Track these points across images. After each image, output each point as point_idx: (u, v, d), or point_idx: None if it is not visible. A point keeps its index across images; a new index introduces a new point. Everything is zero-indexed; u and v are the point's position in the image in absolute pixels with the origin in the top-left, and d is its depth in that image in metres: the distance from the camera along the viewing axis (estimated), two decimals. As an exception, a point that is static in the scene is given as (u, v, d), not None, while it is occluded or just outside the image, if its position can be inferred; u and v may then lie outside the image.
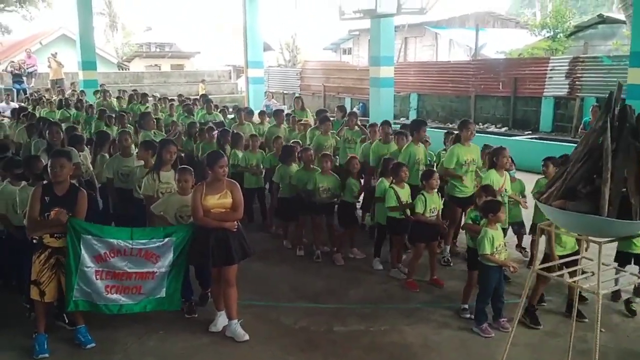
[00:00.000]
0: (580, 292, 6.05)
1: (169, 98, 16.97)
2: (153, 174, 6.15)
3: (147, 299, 5.46)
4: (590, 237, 3.10)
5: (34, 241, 5.11)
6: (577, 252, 5.53)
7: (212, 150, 6.15)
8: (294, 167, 8.09)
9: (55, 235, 5.09)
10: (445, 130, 9.75)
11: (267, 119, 11.80)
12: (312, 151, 8.12)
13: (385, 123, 9.19)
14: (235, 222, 5.42)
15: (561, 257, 5.54)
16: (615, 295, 6.22)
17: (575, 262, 4.44)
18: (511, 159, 7.50)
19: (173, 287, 5.51)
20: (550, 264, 3.79)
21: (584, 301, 6.10)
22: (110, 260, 5.27)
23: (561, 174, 3.06)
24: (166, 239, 5.41)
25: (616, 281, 5.43)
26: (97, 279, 5.25)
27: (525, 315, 5.76)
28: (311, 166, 7.86)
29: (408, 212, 6.89)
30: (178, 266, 5.49)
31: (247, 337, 5.50)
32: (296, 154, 8.21)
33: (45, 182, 5.30)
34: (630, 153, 2.89)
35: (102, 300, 5.29)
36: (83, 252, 5.14)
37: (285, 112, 13.01)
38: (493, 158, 6.98)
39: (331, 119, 10.34)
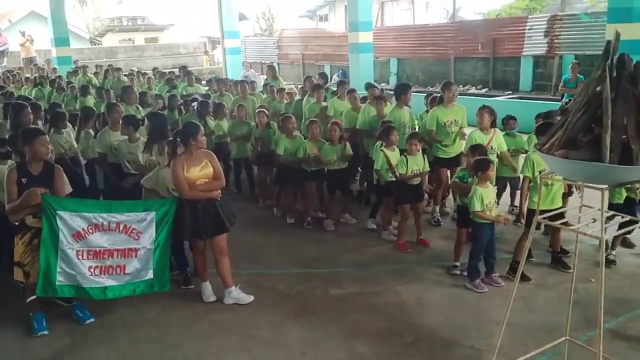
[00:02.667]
0: (561, 245, 6.24)
1: (143, 72, 16.81)
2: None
3: (135, 282, 5.36)
4: (592, 185, 3.19)
5: (16, 223, 5.03)
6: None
7: (189, 122, 6.07)
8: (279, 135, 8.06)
9: (38, 215, 5.00)
10: (426, 94, 9.76)
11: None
12: (294, 119, 8.06)
13: (352, 90, 9.21)
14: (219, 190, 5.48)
15: (547, 211, 5.62)
16: (614, 244, 6.33)
17: (562, 216, 4.56)
18: (514, 118, 7.66)
19: (161, 268, 5.42)
20: (543, 216, 3.87)
21: (566, 254, 6.26)
22: (89, 237, 5.14)
23: (562, 123, 3.11)
24: (146, 214, 5.30)
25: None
26: (79, 259, 5.13)
27: (510, 272, 5.93)
28: (294, 134, 7.85)
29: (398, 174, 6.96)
30: (163, 245, 5.40)
31: (252, 298, 5.61)
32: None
33: (18, 163, 5.18)
34: (628, 100, 2.94)
35: (87, 283, 5.17)
36: (61, 229, 5.02)
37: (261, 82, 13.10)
38: (478, 118, 7.09)
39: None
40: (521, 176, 6.27)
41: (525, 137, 7.49)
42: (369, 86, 9.43)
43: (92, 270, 5.19)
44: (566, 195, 6.43)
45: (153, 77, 15.32)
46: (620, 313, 5.14)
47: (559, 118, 5.32)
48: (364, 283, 6.01)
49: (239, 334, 5.10)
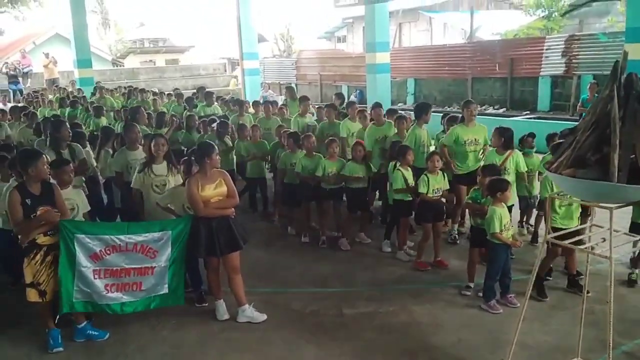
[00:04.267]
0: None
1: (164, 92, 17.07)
2: (145, 167, 6.19)
3: (151, 297, 5.45)
4: (601, 204, 3.17)
5: (24, 245, 5.01)
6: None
7: (204, 141, 6.15)
8: (300, 153, 8.10)
9: (49, 232, 5.05)
10: (442, 114, 9.79)
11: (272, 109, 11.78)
12: (314, 138, 8.11)
13: (377, 105, 9.18)
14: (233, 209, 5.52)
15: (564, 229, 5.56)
16: (634, 262, 6.25)
17: (578, 234, 4.51)
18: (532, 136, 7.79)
19: (175, 283, 5.50)
20: (556, 234, 3.84)
21: (579, 276, 6.13)
22: (107, 258, 5.24)
23: (570, 142, 3.12)
24: (163, 233, 5.38)
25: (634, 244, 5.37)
26: (95, 279, 5.22)
27: (532, 288, 5.82)
28: (314, 153, 7.89)
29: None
30: (178, 261, 5.48)
31: (265, 317, 5.62)
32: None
33: (17, 184, 5.17)
34: (637, 119, 2.94)
35: (103, 300, 5.27)
36: (78, 252, 5.11)
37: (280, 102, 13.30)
38: (491, 139, 7.16)
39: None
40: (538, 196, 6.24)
41: (541, 157, 7.47)
42: (375, 106, 9.40)
43: (108, 288, 5.29)
44: (586, 214, 6.32)
45: (158, 98, 15.48)
46: (638, 335, 5.06)
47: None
48: (378, 303, 5.99)
49: (253, 353, 5.11)
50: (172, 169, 6.19)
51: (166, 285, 5.46)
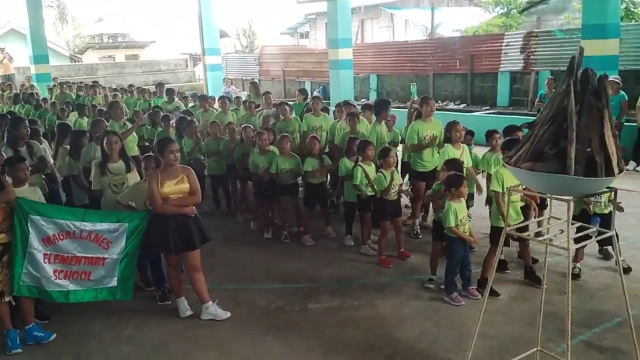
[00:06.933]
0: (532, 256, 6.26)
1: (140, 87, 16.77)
2: (101, 167, 6.09)
3: (98, 288, 5.36)
4: (558, 197, 3.25)
5: None
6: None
7: (162, 137, 6.11)
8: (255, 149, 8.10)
9: (6, 230, 4.96)
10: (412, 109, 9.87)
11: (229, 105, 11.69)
12: (266, 135, 8.07)
13: (346, 103, 9.25)
14: (194, 207, 5.44)
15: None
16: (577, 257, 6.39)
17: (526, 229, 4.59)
18: (471, 134, 7.76)
19: (126, 276, 5.41)
20: (512, 227, 3.91)
21: (535, 262, 6.26)
22: (59, 243, 5.15)
23: (529, 137, 3.19)
24: (119, 225, 5.31)
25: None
26: (45, 263, 5.11)
27: (479, 288, 5.90)
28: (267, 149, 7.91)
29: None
30: (131, 255, 5.41)
31: (229, 314, 5.58)
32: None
33: None
34: (593, 114, 3.02)
35: (51, 286, 5.16)
36: (31, 233, 5.02)
37: (243, 98, 13.22)
38: (447, 133, 7.22)
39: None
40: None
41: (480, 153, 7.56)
42: (344, 104, 9.44)
43: (57, 274, 5.19)
44: (528, 208, 6.41)
45: (120, 94, 15.23)
46: (595, 325, 5.19)
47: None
48: (343, 297, 6.02)
49: (217, 351, 5.07)
50: (129, 167, 6.10)
51: (115, 278, 5.37)
